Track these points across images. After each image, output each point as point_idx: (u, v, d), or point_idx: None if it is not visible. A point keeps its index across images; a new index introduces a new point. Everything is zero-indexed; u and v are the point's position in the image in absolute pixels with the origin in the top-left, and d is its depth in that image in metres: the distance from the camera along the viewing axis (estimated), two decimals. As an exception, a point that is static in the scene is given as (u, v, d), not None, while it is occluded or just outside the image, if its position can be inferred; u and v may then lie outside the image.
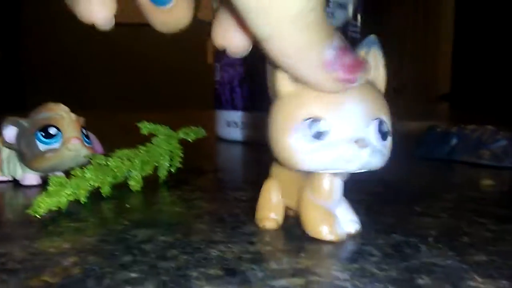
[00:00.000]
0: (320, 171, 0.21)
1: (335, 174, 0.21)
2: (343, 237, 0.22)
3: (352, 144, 0.19)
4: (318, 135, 0.19)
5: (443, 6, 1.67)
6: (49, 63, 2.37)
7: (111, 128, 0.89)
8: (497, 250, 0.21)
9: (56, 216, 0.26)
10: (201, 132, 0.39)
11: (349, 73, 0.18)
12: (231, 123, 0.66)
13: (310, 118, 0.19)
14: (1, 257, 0.20)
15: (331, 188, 0.21)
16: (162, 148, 0.35)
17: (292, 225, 0.24)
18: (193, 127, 0.39)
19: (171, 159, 0.37)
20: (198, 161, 0.49)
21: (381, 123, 0.20)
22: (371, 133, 0.19)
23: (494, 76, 1.50)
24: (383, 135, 0.20)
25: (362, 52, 0.21)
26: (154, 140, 0.36)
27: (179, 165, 0.37)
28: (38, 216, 0.25)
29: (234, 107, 0.65)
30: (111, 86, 2.40)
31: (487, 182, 0.37)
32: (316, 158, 0.19)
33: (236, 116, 0.65)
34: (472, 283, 0.17)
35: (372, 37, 0.21)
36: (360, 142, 0.19)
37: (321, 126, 0.19)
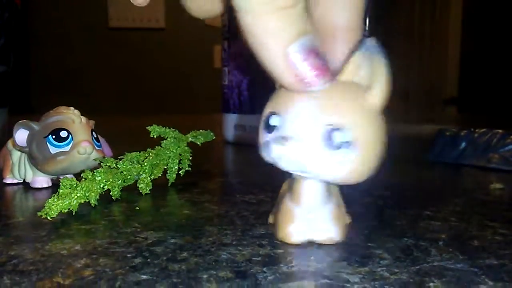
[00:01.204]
0: (277, 166, 0.20)
1: (307, 177, 0.21)
2: (299, 241, 0.22)
3: (277, 141, 0.19)
4: (268, 129, 0.20)
5: (451, 10, 1.66)
6: (57, 67, 2.39)
7: (119, 132, 0.90)
8: (508, 253, 0.21)
9: (67, 219, 0.27)
10: (210, 136, 0.39)
11: (310, 74, 0.18)
12: (239, 127, 0.66)
13: (270, 112, 0.20)
14: (13, 259, 0.20)
15: (302, 191, 0.21)
16: (171, 151, 0.36)
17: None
18: (202, 131, 0.39)
19: (180, 162, 0.37)
20: (206, 164, 0.49)
21: (332, 131, 0.18)
22: (318, 138, 0.19)
23: (502, 80, 1.49)
24: (336, 144, 0.19)
25: (358, 55, 0.19)
26: (163, 143, 0.36)
27: (187, 168, 0.37)
28: (49, 218, 0.26)
29: (242, 111, 0.65)
30: (118, 90, 2.41)
31: (496, 185, 0.37)
32: (266, 151, 0.19)
33: (244, 119, 0.65)
34: (483, 287, 0.17)
35: (370, 40, 0.19)
36: (278, 139, 0.19)
37: (272, 120, 0.20)
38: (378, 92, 0.19)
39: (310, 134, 0.19)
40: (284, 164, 0.19)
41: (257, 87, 0.64)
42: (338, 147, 0.19)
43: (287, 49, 0.17)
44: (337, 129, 0.18)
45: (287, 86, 0.19)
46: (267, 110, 0.20)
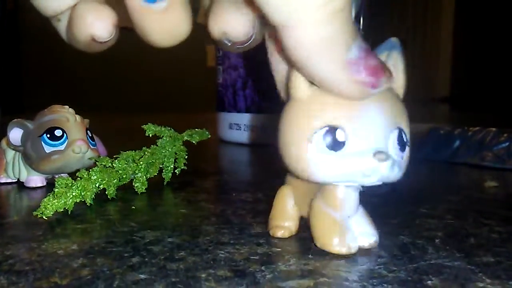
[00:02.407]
0: (335, 183, 0.19)
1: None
2: (354, 250, 0.20)
3: (370, 157, 0.18)
4: (334, 146, 0.18)
5: (443, 9, 1.67)
6: (49, 66, 2.37)
7: (114, 131, 0.90)
8: (504, 251, 0.21)
9: (62, 218, 0.26)
10: (205, 134, 0.39)
11: (374, 76, 0.16)
12: (234, 125, 0.66)
13: (326, 126, 0.18)
14: (9, 258, 0.20)
15: (344, 198, 0.20)
16: (167, 150, 0.36)
17: (300, 227, 0.24)
18: (197, 129, 0.39)
19: (175, 161, 0.37)
20: (201, 163, 0.49)
21: (400, 133, 0.18)
22: (391, 144, 0.18)
23: (494, 78, 1.50)
24: (402, 146, 0.18)
25: (382, 55, 0.19)
26: (159, 142, 0.36)
27: (183, 167, 0.37)
28: (45, 218, 0.26)
29: (237, 109, 0.65)
30: (111, 89, 2.40)
31: (491, 183, 0.37)
32: (331, 171, 0.18)
33: (239, 118, 0.65)
34: (480, 284, 0.17)
35: (394, 40, 0.19)
36: (379, 155, 0.17)
37: (337, 136, 0.18)
38: (403, 87, 0.20)
39: (388, 141, 0.18)
40: (372, 179, 0.18)
41: (252, 86, 0.64)
42: (405, 148, 0.19)
43: (345, 57, 0.16)
44: (403, 130, 0.19)
45: (348, 95, 0.17)
46: (319, 122, 0.18)
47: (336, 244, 0.20)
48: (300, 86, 0.18)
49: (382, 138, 0.18)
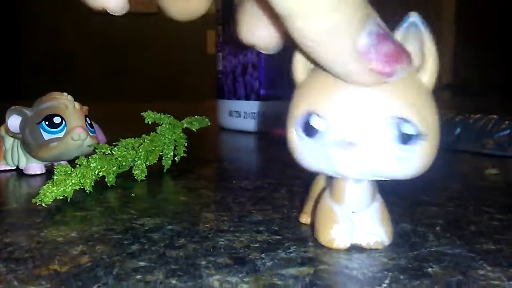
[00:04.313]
0: (321, 172, 0.18)
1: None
2: (343, 246, 0.19)
3: (336, 147, 0.17)
4: (310, 132, 0.17)
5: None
6: (47, 53, 2.36)
7: (113, 118, 0.89)
8: (505, 238, 0.21)
9: (61, 205, 0.26)
10: (205, 122, 0.39)
11: (387, 64, 0.15)
12: (234, 113, 0.66)
13: (304, 112, 0.17)
14: (8, 246, 0.20)
15: (348, 191, 0.19)
16: (166, 138, 0.35)
17: (300, 215, 0.24)
18: (197, 117, 0.39)
19: (175, 148, 0.37)
20: (201, 150, 0.49)
21: (401, 123, 0.16)
22: (384, 135, 0.16)
23: (497, 66, 1.50)
24: (404, 138, 0.16)
25: (403, 31, 0.17)
26: (158, 129, 0.35)
27: (183, 154, 0.37)
28: (44, 205, 0.25)
29: (237, 97, 0.65)
30: (110, 76, 2.39)
31: (491, 171, 0.37)
32: (311, 158, 0.18)
33: (238, 105, 0.65)
34: (481, 272, 0.17)
35: (413, 16, 0.16)
36: (342, 145, 0.16)
37: (313, 123, 0.17)
38: (431, 71, 0.17)
39: (377, 133, 0.16)
40: (347, 171, 0.17)
41: (252, 73, 0.63)
42: (409, 141, 0.16)
43: (355, 43, 0.15)
44: (406, 121, 0.16)
45: (361, 84, 0.16)
46: (301, 107, 0.17)
47: (328, 238, 0.19)
48: (297, 70, 0.18)
49: (362, 128, 0.16)
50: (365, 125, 0.16)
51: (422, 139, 0.16)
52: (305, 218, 0.23)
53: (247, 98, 0.64)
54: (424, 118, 0.16)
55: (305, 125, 0.17)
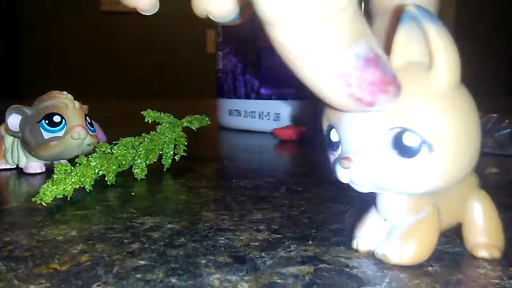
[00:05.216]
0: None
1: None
2: (359, 248, 0.19)
3: (337, 161, 0.16)
4: (332, 146, 0.17)
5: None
6: (48, 52, 2.36)
7: (113, 117, 0.89)
8: (505, 238, 0.21)
9: (61, 204, 0.26)
10: (205, 120, 0.39)
11: (369, 92, 0.14)
12: (233, 112, 0.66)
13: (328, 124, 0.17)
14: (8, 245, 0.20)
15: (380, 200, 0.18)
16: (166, 136, 0.35)
17: (299, 214, 0.24)
18: (197, 116, 0.39)
19: (175, 147, 0.36)
20: (200, 149, 0.49)
21: (401, 134, 0.15)
22: (382, 148, 0.15)
23: (497, 65, 1.50)
24: (403, 151, 0.15)
25: (403, 28, 0.15)
26: (158, 128, 0.35)
27: (183, 153, 0.37)
28: (44, 204, 0.25)
29: (237, 96, 0.65)
30: (110, 75, 2.39)
31: (491, 170, 0.37)
32: (336, 174, 0.17)
33: (238, 104, 0.65)
34: (481, 270, 0.17)
35: (411, 9, 0.14)
36: (341, 162, 0.16)
37: (332, 136, 0.17)
38: (444, 68, 0.14)
39: (375, 145, 0.15)
40: (357, 186, 0.17)
41: (252, 72, 0.63)
42: (413, 152, 0.15)
43: (337, 63, 0.13)
44: (407, 130, 0.15)
45: (339, 107, 0.15)
46: (325, 122, 0.17)
47: (353, 236, 0.19)
48: None
49: (360, 142, 0.16)
50: (362, 138, 0.16)
51: (431, 149, 0.15)
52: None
53: (247, 97, 0.64)
54: (433, 126, 0.15)
55: (327, 138, 0.17)
